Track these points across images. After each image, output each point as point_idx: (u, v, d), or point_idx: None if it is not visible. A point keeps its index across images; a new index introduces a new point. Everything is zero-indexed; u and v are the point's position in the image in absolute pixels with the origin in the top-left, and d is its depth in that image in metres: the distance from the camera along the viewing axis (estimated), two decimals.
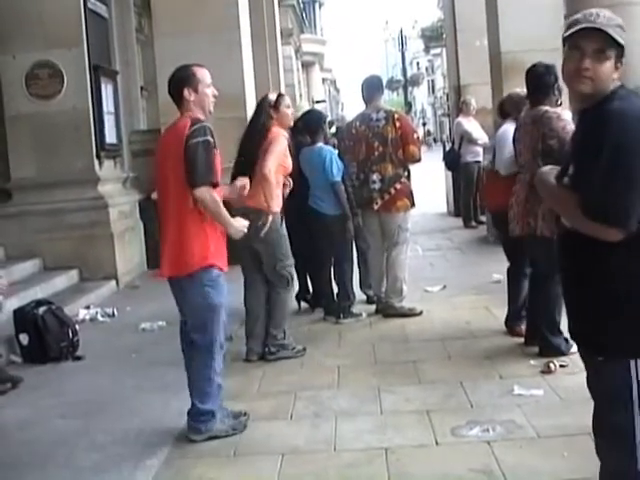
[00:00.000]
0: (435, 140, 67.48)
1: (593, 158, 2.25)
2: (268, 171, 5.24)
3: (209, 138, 3.97)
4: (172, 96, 4.13)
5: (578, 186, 2.29)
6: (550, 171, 2.48)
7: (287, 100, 5.71)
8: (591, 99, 2.37)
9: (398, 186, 6.50)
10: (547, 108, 4.99)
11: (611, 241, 2.22)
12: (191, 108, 4.06)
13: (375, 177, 6.48)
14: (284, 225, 5.51)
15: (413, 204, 6.65)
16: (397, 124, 6.48)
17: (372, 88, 6.77)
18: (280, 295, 5.60)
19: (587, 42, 2.32)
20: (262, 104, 5.63)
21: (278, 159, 5.35)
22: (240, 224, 4.18)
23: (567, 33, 2.36)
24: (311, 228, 6.38)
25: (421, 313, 6.56)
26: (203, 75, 4.10)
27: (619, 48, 2.33)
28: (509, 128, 5.55)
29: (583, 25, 2.32)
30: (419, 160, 6.66)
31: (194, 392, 4.15)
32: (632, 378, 2.26)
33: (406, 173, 6.64)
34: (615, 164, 2.21)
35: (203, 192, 3.94)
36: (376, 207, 6.53)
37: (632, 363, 2.26)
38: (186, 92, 4.04)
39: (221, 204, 4.04)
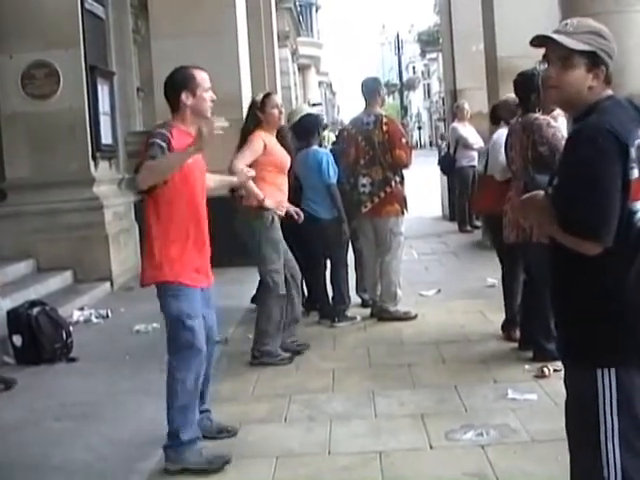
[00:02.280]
0: (431, 144, 67.61)
1: (566, 172, 2.27)
2: (232, 165, 5.12)
3: (156, 140, 3.64)
4: (168, 99, 3.89)
5: (554, 198, 2.31)
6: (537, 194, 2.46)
7: (274, 100, 5.54)
8: (571, 108, 2.38)
9: (388, 189, 6.50)
10: (537, 115, 5.03)
11: (588, 254, 2.22)
12: (185, 114, 3.82)
13: (365, 181, 6.50)
14: (276, 228, 5.39)
15: (405, 210, 6.64)
16: (384, 128, 6.47)
17: (369, 90, 6.76)
18: (263, 301, 5.52)
19: (551, 51, 2.33)
20: (250, 107, 5.63)
21: (247, 158, 5.24)
22: (207, 122, 3.61)
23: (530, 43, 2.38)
24: (305, 232, 6.38)
25: (416, 317, 6.57)
26: (202, 78, 3.86)
27: (592, 55, 2.30)
28: (504, 133, 5.56)
29: (537, 35, 2.34)
30: (406, 165, 6.60)
31: (168, 415, 3.86)
32: (598, 388, 2.24)
33: (398, 178, 6.61)
34: (587, 179, 2.20)
35: (143, 171, 3.58)
36: (364, 210, 6.54)
37: (599, 372, 2.25)
38: (184, 96, 3.80)
39: (159, 159, 3.58)
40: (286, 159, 5.55)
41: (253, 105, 5.60)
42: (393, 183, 6.53)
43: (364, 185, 6.50)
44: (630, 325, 2.24)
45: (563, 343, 2.43)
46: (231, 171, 5.05)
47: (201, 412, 4.06)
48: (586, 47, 2.29)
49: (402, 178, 6.70)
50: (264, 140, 5.38)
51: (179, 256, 3.78)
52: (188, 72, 3.87)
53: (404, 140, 6.63)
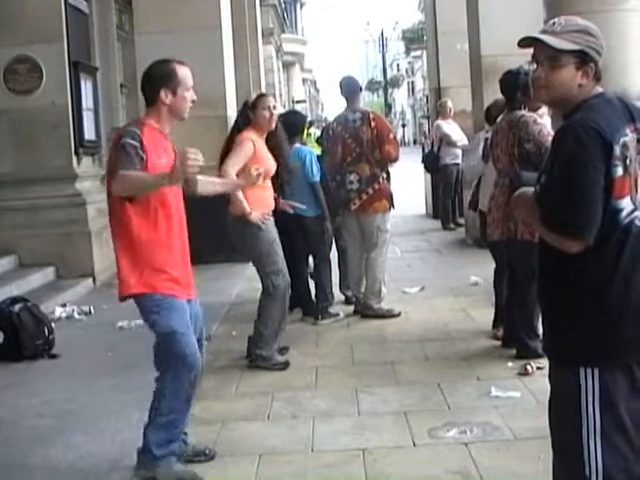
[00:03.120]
0: (415, 141, 67.79)
1: (551, 169, 2.28)
2: (224, 172, 4.99)
3: (127, 140, 3.37)
4: (144, 92, 3.58)
5: (538, 195, 2.32)
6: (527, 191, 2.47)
7: (267, 101, 5.31)
8: (562, 106, 2.38)
9: (376, 186, 6.51)
10: (523, 112, 5.07)
11: (572, 251, 2.23)
12: (161, 112, 3.53)
13: (353, 178, 6.50)
14: (269, 229, 5.22)
15: (392, 206, 6.66)
16: (372, 124, 6.49)
17: (351, 87, 6.78)
18: (263, 305, 5.31)
19: (539, 52, 2.34)
20: (242, 106, 5.45)
21: (239, 162, 5.04)
22: (180, 156, 3.21)
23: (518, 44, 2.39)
24: (289, 230, 6.36)
25: (399, 314, 6.57)
26: (184, 76, 3.54)
27: (581, 53, 2.30)
28: (480, 135, 5.66)
29: (525, 36, 2.35)
30: (396, 160, 6.67)
31: (148, 424, 3.66)
32: (581, 387, 2.25)
33: (385, 174, 6.65)
34: (568, 176, 2.21)
35: (116, 182, 3.34)
36: (354, 207, 6.54)
37: (582, 372, 2.25)
38: (162, 94, 3.48)
39: (136, 174, 3.33)
40: (271, 165, 5.26)
41: (245, 105, 5.41)
42: (381, 179, 6.56)
43: (352, 182, 6.50)
44: (615, 325, 2.24)
45: (548, 341, 2.44)
46: (223, 177, 4.92)
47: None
48: (574, 46, 2.29)
49: (388, 174, 6.76)
50: (253, 143, 5.15)
51: (161, 265, 3.52)
52: (170, 67, 3.53)
53: (392, 135, 6.68)
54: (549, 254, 2.32)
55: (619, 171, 2.20)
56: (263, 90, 17.11)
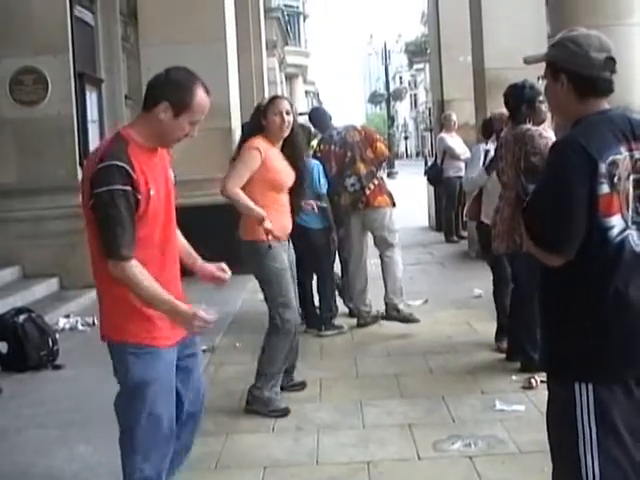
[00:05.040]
0: (418, 154, 67.90)
1: (537, 183, 2.34)
2: (225, 188, 4.53)
3: (117, 187, 2.75)
4: (148, 93, 2.95)
5: (524, 209, 2.36)
6: None
7: (279, 105, 4.67)
8: (567, 121, 2.40)
9: (375, 181, 6.64)
10: (529, 126, 5.08)
11: (552, 265, 2.25)
12: (152, 126, 2.91)
13: (353, 180, 6.60)
14: (282, 256, 4.65)
15: (394, 204, 6.75)
16: (359, 128, 6.87)
17: (319, 116, 7.18)
18: (267, 339, 4.73)
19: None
20: (255, 111, 4.88)
21: (241, 175, 4.55)
22: (189, 314, 2.84)
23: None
24: (294, 242, 6.35)
25: (418, 320, 6.57)
26: (199, 105, 2.90)
27: (552, 65, 2.33)
28: (480, 148, 5.70)
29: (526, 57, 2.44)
30: (387, 157, 7.02)
31: None
32: (576, 401, 2.25)
33: (380, 175, 6.83)
34: (550, 190, 2.24)
35: (114, 268, 2.82)
36: (361, 206, 6.61)
37: (576, 386, 2.25)
38: (162, 106, 2.86)
39: (146, 280, 2.83)
40: (287, 177, 4.69)
41: (258, 109, 4.83)
42: (379, 177, 6.72)
43: (353, 185, 6.59)
44: (609, 342, 2.23)
45: (544, 355, 2.44)
46: (224, 194, 4.54)
47: None
48: (546, 58, 2.33)
49: (381, 177, 6.90)
50: (262, 151, 4.58)
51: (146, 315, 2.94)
52: (190, 86, 2.90)
53: (381, 137, 7.07)
54: (546, 268, 2.33)
55: (604, 188, 2.19)
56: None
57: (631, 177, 2.25)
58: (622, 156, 2.22)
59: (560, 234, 2.21)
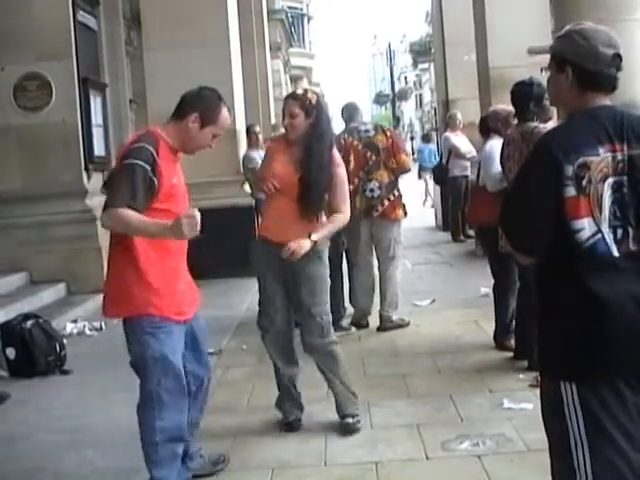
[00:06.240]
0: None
1: None
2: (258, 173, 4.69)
3: (138, 162, 3.21)
4: (179, 106, 3.46)
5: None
6: None
7: (284, 105, 4.39)
8: (566, 112, 2.41)
9: (396, 193, 6.61)
10: (536, 124, 5.04)
11: (524, 263, 2.27)
12: (180, 132, 3.42)
13: (373, 185, 6.51)
14: (268, 255, 4.37)
15: (405, 213, 6.76)
16: (388, 134, 6.66)
17: (352, 109, 6.93)
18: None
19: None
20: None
21: (263, 167, 4.57)
22: (178, 220, 3.08)
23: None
24: None
25: (409, 324, 6.63)
26: (223, 121, 3.48)
27: (556, 56, 2.31)
28: (496, 144, 5.56)
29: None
30: (409, 169, 6.84)
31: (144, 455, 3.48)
32: (563, 399, 2.23)
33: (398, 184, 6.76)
34: (514, 190, 2.28)
35: (107, 218, 3.22)
36: (376, 214, 6.56)
37: (562, 385, 2.24)
38: (193, 116, 3.38)
39: (135, 217, 3.17)
40: (283, 177, 4.27)
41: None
42: (398, 187, 6.67)
43: (372, 190, 6.51)
44: (591, 342, 2.20)
45: (538, 353, 2.44)
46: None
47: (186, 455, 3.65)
48: (553, 49, 2.32)
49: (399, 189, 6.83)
50: (268, 150, 4.72)
51: (159, 290, 3.41)
52: (218, 104, 3.48)
53: (406, 149, 6.98)
54: (535, 269, 2.34)
55: (570, 191, 2.16)
56: (270, 103, 17.13)
57: (609, 179, 2.19)
58: (598, 158, 2.17)
59: (521, 231, 2.24)
